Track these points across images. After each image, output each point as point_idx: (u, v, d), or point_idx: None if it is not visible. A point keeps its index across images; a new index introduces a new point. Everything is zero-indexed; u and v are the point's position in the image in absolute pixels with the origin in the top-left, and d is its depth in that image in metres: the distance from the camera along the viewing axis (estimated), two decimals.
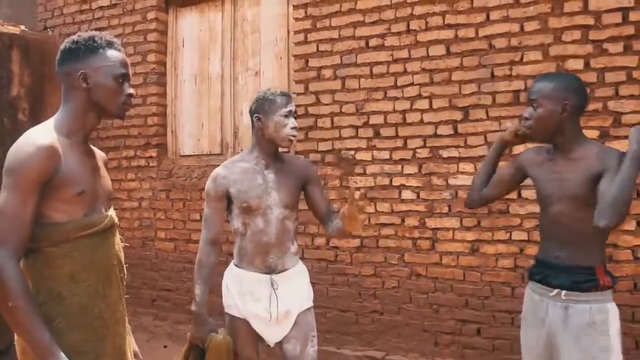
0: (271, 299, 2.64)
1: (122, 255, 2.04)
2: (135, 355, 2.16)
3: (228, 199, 2.69)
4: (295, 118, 2.69)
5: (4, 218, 1.68)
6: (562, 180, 2.32)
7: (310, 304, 2.77)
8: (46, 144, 1.73)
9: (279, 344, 2.72)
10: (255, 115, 2.67)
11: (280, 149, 2.77)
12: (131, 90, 1.98)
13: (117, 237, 2.04)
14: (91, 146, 2.05)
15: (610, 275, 2.29)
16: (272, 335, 2.70)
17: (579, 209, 2.25)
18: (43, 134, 1.78)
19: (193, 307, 2.67)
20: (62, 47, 1.96)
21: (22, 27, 5.04)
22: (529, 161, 2.51)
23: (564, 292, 2.28)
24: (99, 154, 2.11)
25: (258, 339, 2.73)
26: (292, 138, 2.65)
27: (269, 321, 2.65)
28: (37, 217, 1.74)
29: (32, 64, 4.93)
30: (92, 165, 1.96)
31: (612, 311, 2.25)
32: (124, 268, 2.05)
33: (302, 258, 4.29)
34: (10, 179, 1.70)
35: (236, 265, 2.75)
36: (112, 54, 1.94)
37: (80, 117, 1.91)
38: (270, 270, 2.67)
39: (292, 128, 2.63)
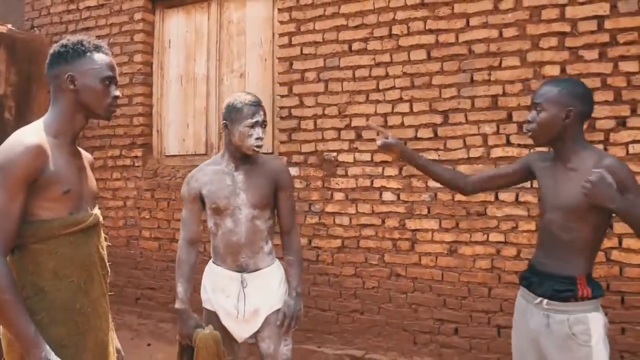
0: (239, 296, 2.69)
1: (104, 253, 2.09)
2: (118, 352, 2.21)
3: (201, 200, 2.77)
4: (264, 127, 2.71)
5: None
6: (557, 190, 2.30)
7: (280, 306, 2.77)
8: (34, 144, 1.79)
9: (255, 342, 2.78)
10: (224, 121, 2.71)
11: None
12: (117, 93, 2.03)
13: (101, 236, 2.09)
14: (78, 147, 2.10)
15: (595, 286, 2.26)
16: (240, 331, 2.75)
17: (569, 220, 2.24)
18: (31, 134, 1.84)
19: (177, 305, 2.72)
20: (51, 50, 2.01)
21: (9, 26, 5.07)
22: (536, 163, 2.49)
23: (545, 301, 2.28)
24: (85, 155, 2.16)
25: (232, 335, 2.78)
26: (256, 149, 2.67)
27: (237, 318, 2.71)
28: (24, 214, 1.80)
29: (19, 62, 4.96)
30: (78, 166, 2.02)
31: (594, 321, 2.21)
32: (107, 265, 2.10)
33: (283, 258, 4.39)
34: None
35: (213, 262, 2.83)
36: (99, 57, 2.00)
37: (68, 118, 1.97)
38: (242, 269, 2.72)
39: (257, 139, 2.65)
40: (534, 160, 2.51)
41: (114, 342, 2.18)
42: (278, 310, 2.76)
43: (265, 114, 2.74)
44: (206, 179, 2.75)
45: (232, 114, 2.68)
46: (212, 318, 2.75)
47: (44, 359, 1.72)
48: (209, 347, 2.56)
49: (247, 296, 2.70)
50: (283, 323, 2.72)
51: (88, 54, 1.97)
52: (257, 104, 2.70)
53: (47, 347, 1.74)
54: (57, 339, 1.82)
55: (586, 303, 2.22)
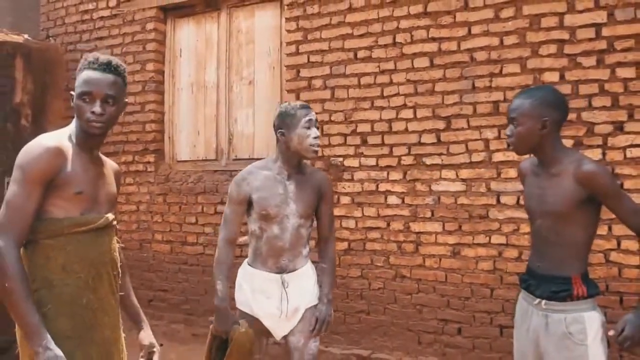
0: (282, 297, 2.78)
1: (116, 254, 2.20)
2: (152, 346, 2.32)
3: (249, 204, 2.81)
4: (317, 128, 2.81)
5: (10, 208, 1.88)
6: (543, 196, 2.36)
7: (317, 301, 2.89)
8: (53, 146, 1.95)
9: (284, 336, 2.87)
10: (279, 130, 2.79)
11: (304, 161, 2.90)
12: (95, 109, 2.01)
13: (113, 238, 2.20)
14: (103, 157, 2.23)
15: (591, 285, 2.31)
16: (280, 330, 2.84)
17: (558, 224, 2.31)
18: (52, 138, 2.00)
19: (216, 302, 2.77)
20: None
21: (25, 36, 5.23)
22: (525, 171, 2.56)
23: (544, 301, 2.34)
24: (111, 165, 2.29)
25: (264, 334, 2.87)
26: (316, 148, 2.77)
27: (279, 318, 2.80)
28: (39, 211, 1.94)
29: (35, 71, 5.11)
30: (97, 172, 2.13)
31: (590, 320, 2.25)
32: (119, 267, 2.20)
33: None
34: (18, 175, 1.91)
35: (249, 264, 2.89)
36: (85, 74, 2.04)
37: (79, 130, 2.09)
38: (282, 270, 2.81)
39: (315, 138, 2.75)
40: (524, 168, 2.57)
41: (149, 337, 2.32)
42: (313, 306, 2.86)
43: (315, 115, 2.83)
44: (258, 184, 2.77)
45: (286, 120, 2.76)
46: (248, 319, 2.82)
47: (43, 347, 1.82)
48: (242, 346, 2.68)
49: (289, 296, 2.79)
50: (315, 327, 2.83)
51: (80, 73, 2.06)
52: (308, 107, 2.82)
53: (48, 336, 1.85)
54: (63, 330, 1.94)
55: (582, 302, 2.27)
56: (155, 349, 2.34)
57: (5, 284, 1.82)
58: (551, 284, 2.32)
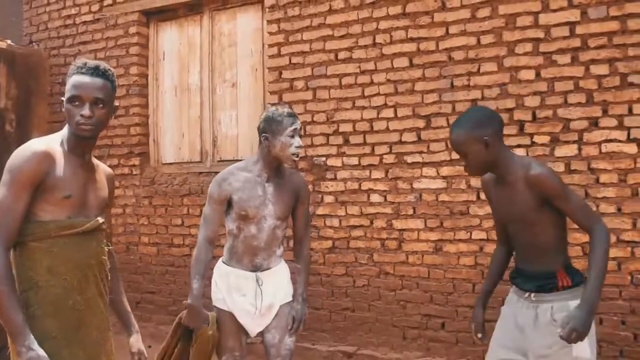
0: (257, 294, 2.87)
1: (104, 258, 2.23)
2: (141, 353, 2.38)
3: (228, 204, 2.89)
4: (300, 136, 2.88)
5: None
6: (508, 204, 2.44)
7: (290, 298, 2.99)
8: (41, 150, 1.99)
9: (260, 334, 2.95)
10: (264, 134, 2.85)
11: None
12: (84, 112, 2.04)
13: (101, 241, 2.23)
14: (96, 161, 2.27)
15: (576, 274, 2.38)
16: (254, 327, 2.93)
17: (528, 227, 2.39)
18: (42, 142, 2.04)
19: (189, 300, 2.82)
20: None
21: (9, 41, 5.23)
22: (487, 185, 2.62)
23: (532, 294, 2.41)
24: (104, 169, 2.33)
25: (242, 331, 2.94)
26: (296, 157, 2.86)
27: (254, 314, 2.88)
28: (27, 214, 1.97)
29: (19, 76, 5.13)
30: (87, 176, 2.17)
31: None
32: (106, 270, 2.24)
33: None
34: (6, 178, 1.95)
35: (224, 262, 2.97)
36: (73, 79, 2.08)
37: (69, 134, 2.12)
38: (256, 268, 2.90)
39: (297, 147, 2.83)
40: (487, 181, 2.63)
41: (138, 344, 2.37)
42: (287, 303, 2.96)
43: (300, 124, 2.90)
44: (238, 185, 2.85)
45: (272, 126, 2.82)
46: (224, 316, 2.90)
47: (26, 347, 1.87)
48: (205, 345, 2.80)
49: (263, 293, 2.88)
50: (292, 326, 2.93)
51: (71, 77, 2.08)
52: (294, 115, 2.89)
53: (32, 336, 1.89)
54: (49, 331, 1.98)
55: (569, 291, 2.35)
56: (142, 357, 2.39)
57: None
58: (537, 280, 2.40)
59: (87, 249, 2.14)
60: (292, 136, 2.81)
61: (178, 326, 2.88)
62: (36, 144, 2.02)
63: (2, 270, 1.89)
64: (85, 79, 2.07)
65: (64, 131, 2.14)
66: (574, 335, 2.19)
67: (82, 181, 2.12)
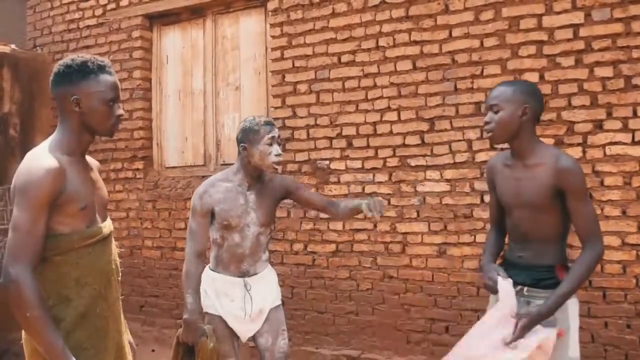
0: (245, 299, 2.89)
1: (118, 259, 2.25)
2: (130, 344, 2.35)
3: (211, 215, 2.90)
4: (280, 144, 2.88)
5: (18, 235, 1.85)
6: (519, 188, 2.42)
7: (279, 301, 3.02)
8: (54, 167, 1.91)
9: (253, 339, 2.97)
10: (241, 144, 2.86)
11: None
12: (120, 112, 2.10)
13: (113, 243, 2.25)
14: (87, 158, 2.22)
15: None
16: (245, 331, 2.94)
17: (536, 214, 2.37)
18: (49, 157, 1.94)
19: (185, 315, 2.81)
20: (55, 69, 2.08)
21: (13, 46, 5.25)
22: (493, 169, 2.61)
23: (525, 288, 2.40)
24: (93, 163, 2.27)
25: (234, 336, 2.95)
26: (276, 166, 2.85)
27: (244, 319, 2.89)
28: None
29: (23, 81, 5.14)
30: (91, 179, 2.15)
31: (572, 308, 2.34)
32: (119, 270, 2.25)
33: (282, 263, 4.62)
34: (22, 200, 1.88)
35: (211, 269, 2.99)
36: (103, 78, 2.04)
37: (77, 136, 2.08)
38: (243, 274, 2.93)
39: (276, 155, 2.82)
40: (492, 166, 2.63)
41: (128, 337, 2.34)
42: (277, 306, 2.99)
43: (278, 132, 2.91)
44: (219, 196, 2.86)
45: (249, 136, 2.83)
46: (216, 321, 2.91)
47: None
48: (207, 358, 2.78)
49: (252, 298, 2.89)
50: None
51: (92, 75, 2.02)
52: (271, 123, 2.89)
53: (73, 358, 1.84)
54: (79, 342, 1.96)
55: None
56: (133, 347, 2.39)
57: (27, 313, 1.81)
58: (533, 272, 2.39)
59: (107, 255, 2.15)
60: (270, 144, 2.81)
61: (178, 345, 2.88)
62: (46, 160, 1.93)
63: (33, 295, 1.81)
64: (114, 79, 2.10)
65: (60, 135, 2.06)
66: (524, 321, 2.26)
67: (90, 186, 2.11)
